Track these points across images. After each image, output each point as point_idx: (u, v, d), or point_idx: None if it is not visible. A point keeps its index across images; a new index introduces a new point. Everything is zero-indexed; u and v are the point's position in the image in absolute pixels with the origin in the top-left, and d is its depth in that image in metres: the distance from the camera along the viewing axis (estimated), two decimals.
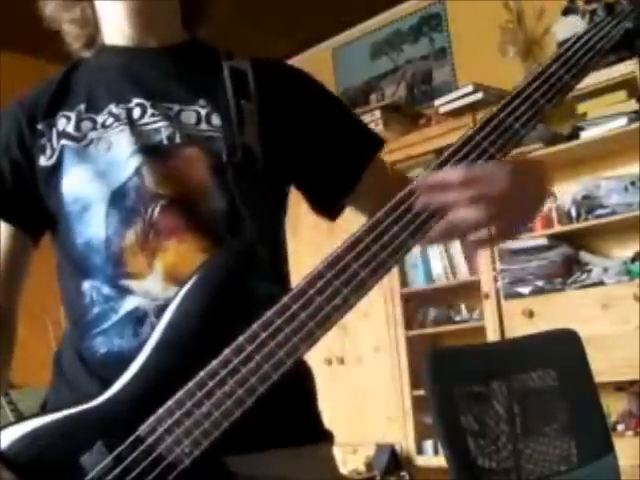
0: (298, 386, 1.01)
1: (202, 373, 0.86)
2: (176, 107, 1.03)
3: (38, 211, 1.06)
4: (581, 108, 3.14)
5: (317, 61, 4.35)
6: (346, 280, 0.86)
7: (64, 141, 1.03)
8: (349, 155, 1.10)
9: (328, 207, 1.12)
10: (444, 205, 0.86)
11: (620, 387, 3.06)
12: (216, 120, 1.02)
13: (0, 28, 3.44)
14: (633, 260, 3.02)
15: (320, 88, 1.13)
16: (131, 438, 0.87)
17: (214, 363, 0.86)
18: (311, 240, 3.40)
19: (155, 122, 1.02)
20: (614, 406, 3.04)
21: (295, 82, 1.11)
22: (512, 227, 0.92)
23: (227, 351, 0.86)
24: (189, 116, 1.02)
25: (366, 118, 3.69)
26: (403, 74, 4.18)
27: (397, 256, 0.87)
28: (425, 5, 4.08)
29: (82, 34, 1.11)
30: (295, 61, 4.18)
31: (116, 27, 1.08)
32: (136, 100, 1.04)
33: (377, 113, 3.68)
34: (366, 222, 0.88)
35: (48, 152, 1.04)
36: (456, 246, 3.58)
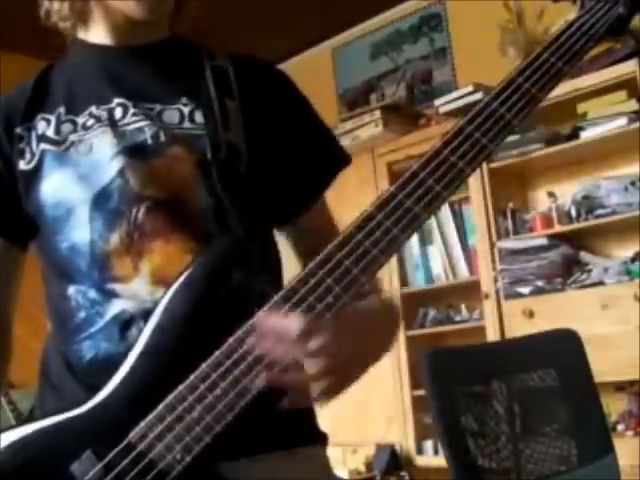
0: None
1: (192, 377, 0.84)
2: (158, 106, 1.01)
3: (21, 218, 1.03)
4: (581, 108, 3.14)
5: (317, 61, 4.35)
6: (338, 277, 0.85)
7: (44, 145, 1.01)
8: (312, 170, 1.09)
9: (281, 218, 1.10)
10: (280, 358, 0.83)
11: (620, 387, 3.06)
12: (199, 118, 1.01)
13: (0, 28, 3.43)
14: (633, 260, 3.01)
15: (295, 91, 1.12)
16: (121, 445, 0.85)
17: (204, 366, 0.84)
18: None
19: (137, 122, 1.00)
20: (614, 406, 3.04)
21: (273, 82, 1.10)
22: (346, 381, 0.89)
23: (217, 353, 0.85)
24: (172, 115, 1.01)
25: (366, 118, 3.69)
26: (403, 74, 4.18)
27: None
28: (425, 5, 4.07)
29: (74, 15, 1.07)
30: (295, 61, 4.18)
31: (108, 23, 1.05)
32: (117, 100, 1.02)
33: (377, 113, 3.67)
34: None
35: (27, 156, 1.02)
36: (456, 246, 3.58)
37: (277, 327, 0.83)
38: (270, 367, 0.84)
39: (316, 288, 0.85)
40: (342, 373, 0.86)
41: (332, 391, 0.86)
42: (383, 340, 0.97)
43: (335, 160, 1.12)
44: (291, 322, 0.83)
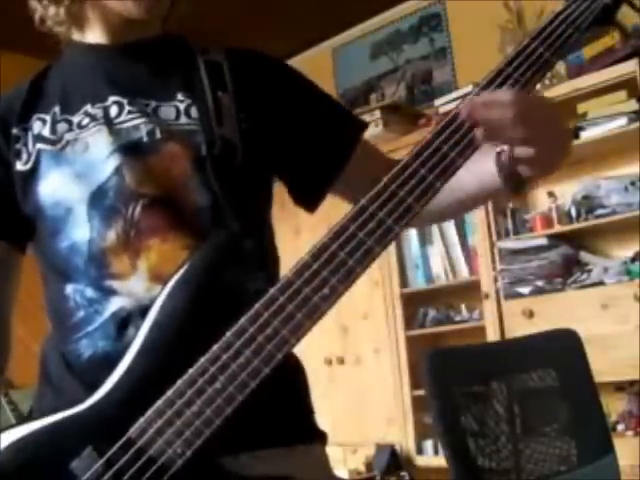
0: (290, 385, 1.00)
1: (191, 371, 0.85)
2: (154, 103, 1.01)
3: (19, 219, 1.03)
4: (581, 108, 3.14)
5: (317, 61, 4.34)
6: (334, 269, 0.85)
7: (40, 145, 1.01)
8: (332, 142, 1.09)
9: (309, 198, 1.11)
10: (495, 122, 0.87)
11: (620, 387, 3.06)
12: (195, 113, 1.01)
13: (0, 28, 3.43)
14: (633, 260, 3.01)
15: (297, 75, 1.12)
16: (121, 441, 0.85)
17: (203, 360, 0.85)
18: (313, 239, 3.39)
19: (133, 119, 1.00)
20: (614, 406, 3.04)
21: (270, 71, 1.10)
22: (551, 161, 0.92)
23: (215, 347, 0.85)
24: (168, 112, 1.01)
25: (366, 118, 3.69)
26: (403, 74, 4.18)
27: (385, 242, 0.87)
28: (425, 5, 4.08)
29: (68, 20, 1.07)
30: (295, 61, 4.18)
31: (104, 24, 1.06)
32: (113, 98, 1.02)
33: (377, 113, 3.68)
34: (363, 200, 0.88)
35: (24, 157, 1.02)
36: (456, 246, 3.58)
37: (490, 98, 0.89)
38: None
39: (312, 280, 0.85)
40: (550, 147, 0.90)
41: (537, 163, 0.91)
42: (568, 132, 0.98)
43: (354, 125, 1.12)
44: (503, 93, 0.88)
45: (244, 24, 3.80)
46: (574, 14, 0.92)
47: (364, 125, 1.13)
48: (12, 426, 0.90)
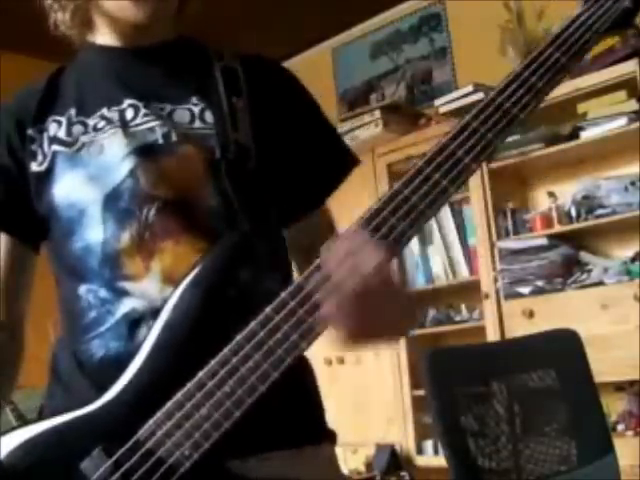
0: (298, 386, 1.00)
1: (200, 374, 0.85)
2: (169, 106, 1.02)
3: (33, 218, 1.04)
4: (581, 108, 3.14)
5: (317, 61, 4.35)
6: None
7: (55, 147, 1.02)
8: (321, 173, 1.10)
9: (287, 218, 1.10)
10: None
11: (620, 387, 3.06)
12: (209, 117, 1.01)
13: (0, 28, 3.44)
14: (633, 260, 3.01)
15: (304, 92, 1.13)
16: (130, 442, 0.85)
17: (212, 363, 0.85)
18: None
19: (149, 122, 1.01)
20: (614, 406, 3.04)
21: (282, 82, 1.11)
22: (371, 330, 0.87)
23: (225, 350, 0.85)
24: (182, 115, 1.01)
25: (366, 118, 3.69)
26: (403, 74, 4.18)
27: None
28: (425, 5, 4.08)
29: (76, 24, 1.08)
30: (295, 61, 4.18)
31: (113, 28, 1.06)
32: (128, 101, 1.02)
33: (377, 113, 3.67)
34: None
35: (39, 158, 1.03)
36: (456, 246, 3.58)
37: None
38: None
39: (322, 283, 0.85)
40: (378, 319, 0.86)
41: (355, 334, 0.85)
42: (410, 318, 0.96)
43: (344, 162, 1.12)
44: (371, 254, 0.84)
45: (244, 24, 3.80)
46: (592, 18, 0.91)
47: (356, 160, 1.13)
48: (23, 425, 0.90)
